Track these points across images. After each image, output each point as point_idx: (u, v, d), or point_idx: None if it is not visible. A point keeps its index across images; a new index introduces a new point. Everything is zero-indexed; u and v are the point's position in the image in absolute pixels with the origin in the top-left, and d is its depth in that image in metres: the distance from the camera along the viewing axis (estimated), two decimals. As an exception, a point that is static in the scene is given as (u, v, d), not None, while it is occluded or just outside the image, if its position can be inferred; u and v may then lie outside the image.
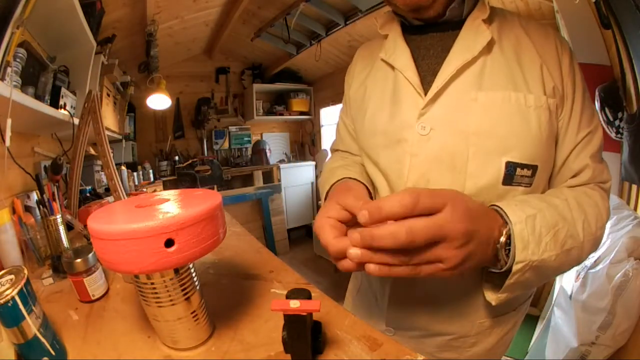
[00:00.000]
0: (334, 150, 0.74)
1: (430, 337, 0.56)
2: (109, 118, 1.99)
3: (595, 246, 0.46)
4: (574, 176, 0.50)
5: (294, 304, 0.34)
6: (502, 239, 0.39)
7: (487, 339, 0.55)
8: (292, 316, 0.34)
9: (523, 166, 0.46)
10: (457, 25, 0.49)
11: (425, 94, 0.48)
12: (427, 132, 0.48)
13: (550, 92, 0.47)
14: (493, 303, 0.44)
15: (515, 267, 0.39)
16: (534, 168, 0.47)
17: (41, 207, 0.69)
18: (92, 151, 1.71)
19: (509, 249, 0.39)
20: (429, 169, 0.48)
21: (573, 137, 0.49)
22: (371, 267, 0.35)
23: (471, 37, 0.47)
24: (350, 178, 0.55)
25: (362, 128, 0.58)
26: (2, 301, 0.33)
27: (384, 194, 0.55)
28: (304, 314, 0.34)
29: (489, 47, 0.47)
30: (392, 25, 0.56)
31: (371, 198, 0.51)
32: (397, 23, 0.56)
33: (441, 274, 0.35)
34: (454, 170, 0.47)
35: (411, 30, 0.54)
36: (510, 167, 0.45)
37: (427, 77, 0.50)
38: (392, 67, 0.53)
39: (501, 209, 0.41)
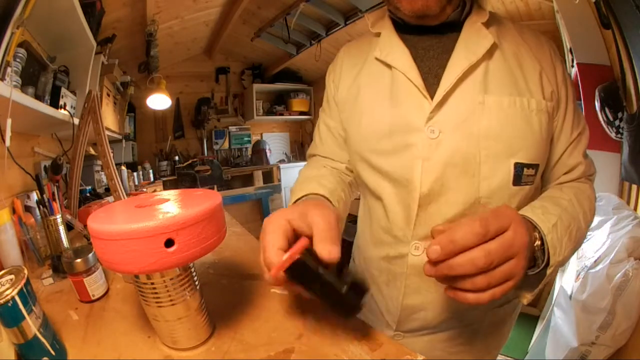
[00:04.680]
0: (311, 155, 0.68)
1: (434, 334, 0.57)
2: (109, 118, 1.99)
3: (589, 227, 0.51)
4: (568, 171, 0.54)
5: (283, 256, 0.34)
6: (537, 242, 0.41)
7: (484, 330, 0.58)
8: (292, 270, 0.34)
9: (529, 166, 0.48)
10: (454, 27, 0.50)
11: (431, 97, 0.48)
12: (436, 135, 0.47)
13: (549, 96, 0.49)
14: (525, 302, 0.45)
15: (547, 271, 0.41)
16: (536, 167, 0.49)
17: (41, 207, 0.69)
18: (92, 151, 1.71)
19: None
20: (442, 173, 0.48)
21: (567, 136, 0.52)
22: (449, 291, 0.36)
23: (473, 40, 0.48)
24: (322, 196, 0.52)
25: (358, 132, 0.56)
26: (2, 301, 0.33)
27: (390, 199, 0.53)
28: (298, 256, 0.33)
29: (490, 51, 0.48)
30: (384, 22, 0.56)
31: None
32: (389, 21, 0.55)
33: (508, 291, 0.36)
34: (467, 173, 0.47)
35: (405, 29, 0.53)
36: (519, 168, 0.47)
37: (428, 78, 0.50)
38: (389, 67, 0.52)
39: (531, 219, 0.42)
